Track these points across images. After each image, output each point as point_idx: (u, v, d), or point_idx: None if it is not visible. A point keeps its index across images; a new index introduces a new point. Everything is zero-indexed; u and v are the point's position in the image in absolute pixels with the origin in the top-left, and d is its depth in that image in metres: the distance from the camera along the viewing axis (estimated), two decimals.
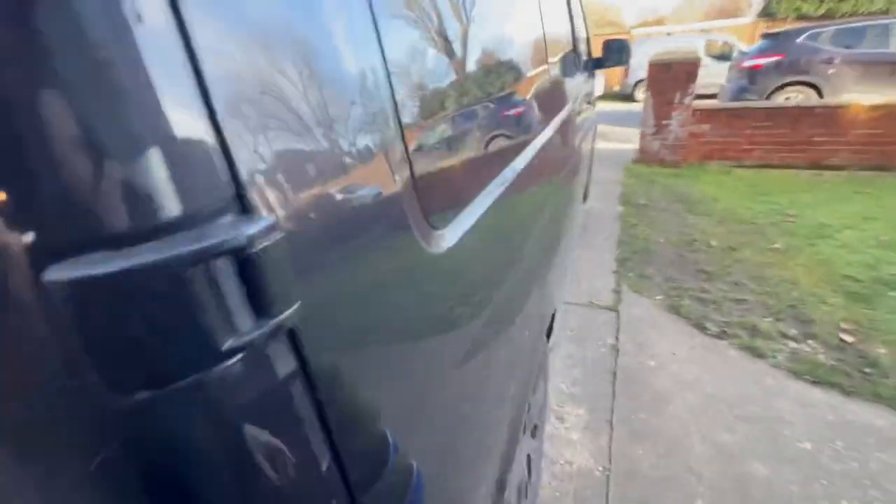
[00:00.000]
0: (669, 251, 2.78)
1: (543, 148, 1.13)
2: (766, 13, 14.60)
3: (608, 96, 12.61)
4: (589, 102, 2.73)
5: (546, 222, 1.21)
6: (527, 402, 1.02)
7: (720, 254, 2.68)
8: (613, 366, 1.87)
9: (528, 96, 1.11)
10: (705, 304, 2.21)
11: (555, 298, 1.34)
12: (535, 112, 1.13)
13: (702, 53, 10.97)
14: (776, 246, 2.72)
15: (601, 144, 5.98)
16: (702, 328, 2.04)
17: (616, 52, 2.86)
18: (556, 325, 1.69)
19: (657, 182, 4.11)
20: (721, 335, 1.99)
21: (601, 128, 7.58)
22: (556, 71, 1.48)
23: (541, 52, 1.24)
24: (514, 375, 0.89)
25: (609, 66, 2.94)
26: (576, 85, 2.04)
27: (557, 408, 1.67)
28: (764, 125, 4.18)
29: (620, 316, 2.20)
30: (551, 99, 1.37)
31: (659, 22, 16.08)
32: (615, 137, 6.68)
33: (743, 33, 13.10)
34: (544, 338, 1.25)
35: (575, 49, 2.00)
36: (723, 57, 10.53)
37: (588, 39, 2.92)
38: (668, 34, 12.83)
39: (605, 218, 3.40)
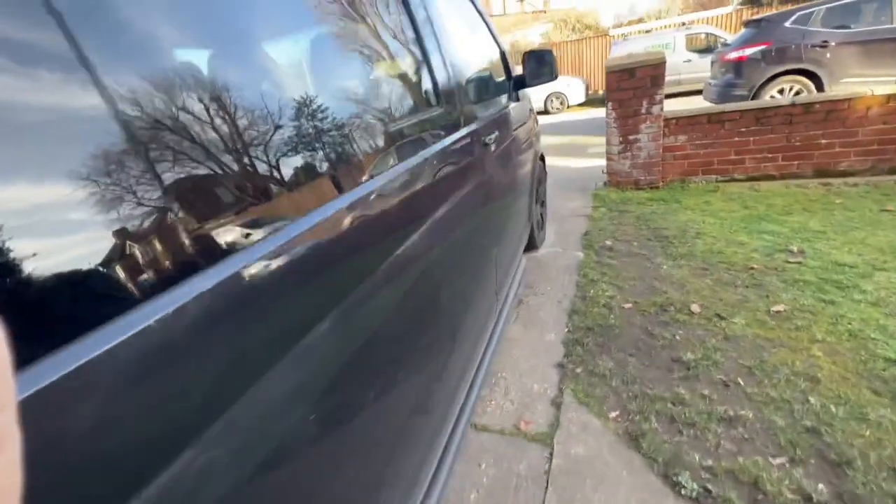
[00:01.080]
0: (635, 325, 2.05)
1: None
2: (750, 0, 13.96)
3: (593, 102, 11.99)
4: (514, 130, 2.07)
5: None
6: None
7: (703, 327, 1.94)
8: None
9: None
10: (680, 428, 1.47)
11: None
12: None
13: (683, 48, 10.40)
14: (779, 308, 1.97)
15: (573, 163, 5.31)
16: (674, 483, 1.30)
17: (540, 66, 2.20)
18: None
19: (629, 211, 3.38)
20: (703, 499, 1.25)
21: (577, 139, 6.89)
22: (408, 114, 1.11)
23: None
24: None
25: (536, 84, 2.28)
26: (478, 118, 1.54)
27: None
28: (753, 129, 3.46)
29: (555, 456, 1.47)
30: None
31: (638, 22, 15.52)
32: (594, 151, 5.99)
33: (727, 24, 12.45)
34: None
35: (444, 81, 1.33)
36: (708, 50, 9.94)
37: (504, 58, 2.27)
38: (647, 32, 12.24)
39: (559, 271, 2.69)
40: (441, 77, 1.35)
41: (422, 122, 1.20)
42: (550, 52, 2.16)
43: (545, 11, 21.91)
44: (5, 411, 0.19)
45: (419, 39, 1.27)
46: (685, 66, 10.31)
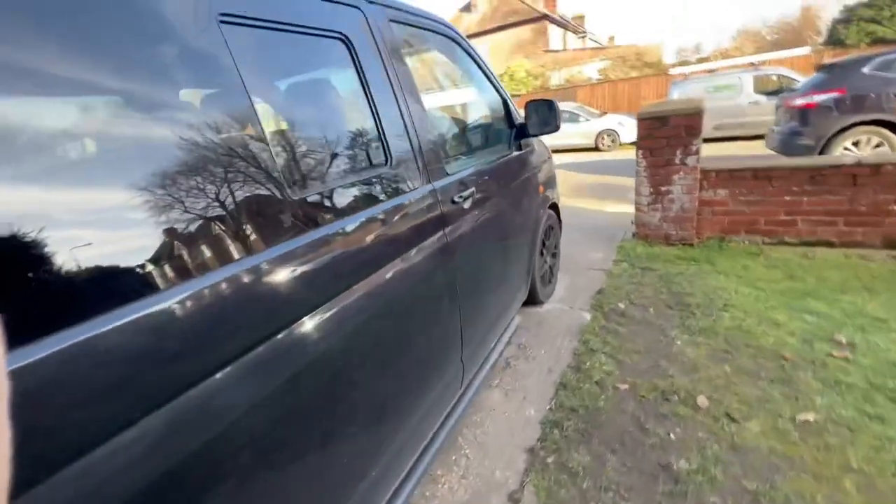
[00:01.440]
0: (627, 412, 1.78)
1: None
2: (833, 41, 12.93)
3: None
4: (508, 183, 1.94)
5: None
6: None
7: (708, 428, 1.64)
8: None
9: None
10: None
11: None
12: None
13: (751, 90, 9.76)
14: (808, 417, 1.62)
15: (607, 207, 5.02)
16: None
17: (542, 116, 2.08)
18: None
19: (654, 270, 3.07)
20: None
21: (618, 181, 6.48)
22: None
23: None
24: None
25: (538, 134, 2.15)
26: (447, 174, 1.48)
27: None
28: (807, 189, 3.05)
29: None
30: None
31: (704, 61, 14.84)
32: (633, 195, 5.63)
33: (804, 66, 11.55)
34: None
35: (397, 139, 1.25)
36: (779, 93, 9.24)
37: (507, 107, 2.16)
38: (711, 71, 11.64)
39: (558, 332, 2.45)
40: (393, 135, 1.26)
41: (357, 182, 1.11)
42: (552, 102, 2.03)
43: (605, 48, 21.70)
44: None
45: (368, 95, 1.20)
46: (752, 109, 9.66)
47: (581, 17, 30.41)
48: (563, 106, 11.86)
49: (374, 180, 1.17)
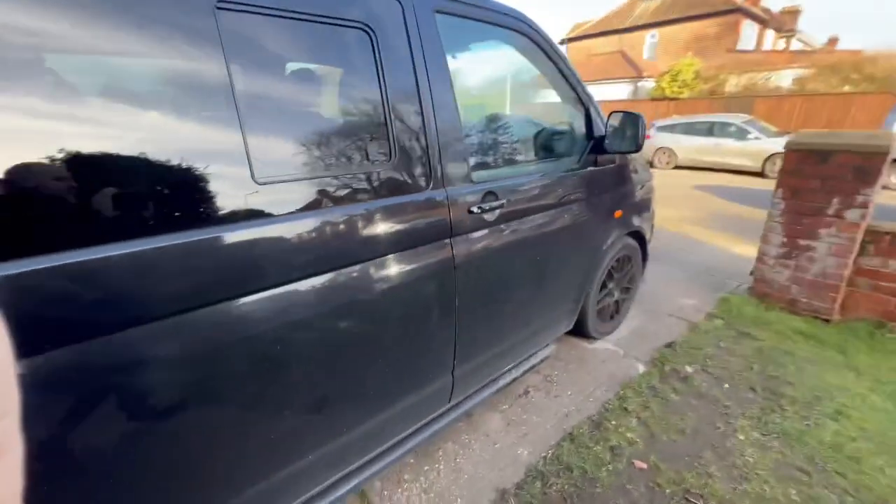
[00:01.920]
0: (629, 498, 1.49)
1: None
2: None
3: None
4: (561, 200, 1.75)
5: None
6: None
7: None
8: None
9: None
10: None
11: None
12: None
13: None
14: None
15: (733, 247, 4.19)
16: None
17: (624, 130, 1.81)
18: None
19: (755, 338, 2.46)
20: None
21: (761, 216, 5.10)
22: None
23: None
24: None
25: (615, 152, 1.88)
26: (472, 181, 1.41)
27: None
28: None
29: None
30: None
31: None
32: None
33: None
34: None
35: (405, 133, 1.20)
36: None
37: (588, 116, 1.91)
38: None
39: (597, 377, 2.16)
40: (403, 134, 1.21)
41: (342, 177, 1.10)
42: (639, 116, 1.72)
43: (814, 51, 17.43)
44: (5, 418, 0.17)
45: (382, 89, 1.17)
46: None
47: (794, 12, 24.88)
48: (728, 118, 9.86)
49: (363, 177, 1.15)
